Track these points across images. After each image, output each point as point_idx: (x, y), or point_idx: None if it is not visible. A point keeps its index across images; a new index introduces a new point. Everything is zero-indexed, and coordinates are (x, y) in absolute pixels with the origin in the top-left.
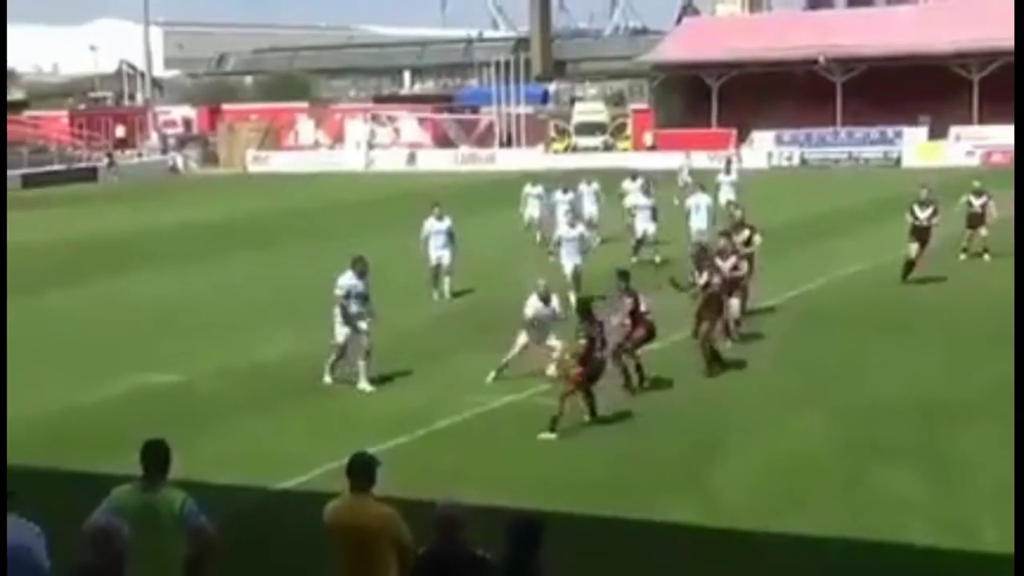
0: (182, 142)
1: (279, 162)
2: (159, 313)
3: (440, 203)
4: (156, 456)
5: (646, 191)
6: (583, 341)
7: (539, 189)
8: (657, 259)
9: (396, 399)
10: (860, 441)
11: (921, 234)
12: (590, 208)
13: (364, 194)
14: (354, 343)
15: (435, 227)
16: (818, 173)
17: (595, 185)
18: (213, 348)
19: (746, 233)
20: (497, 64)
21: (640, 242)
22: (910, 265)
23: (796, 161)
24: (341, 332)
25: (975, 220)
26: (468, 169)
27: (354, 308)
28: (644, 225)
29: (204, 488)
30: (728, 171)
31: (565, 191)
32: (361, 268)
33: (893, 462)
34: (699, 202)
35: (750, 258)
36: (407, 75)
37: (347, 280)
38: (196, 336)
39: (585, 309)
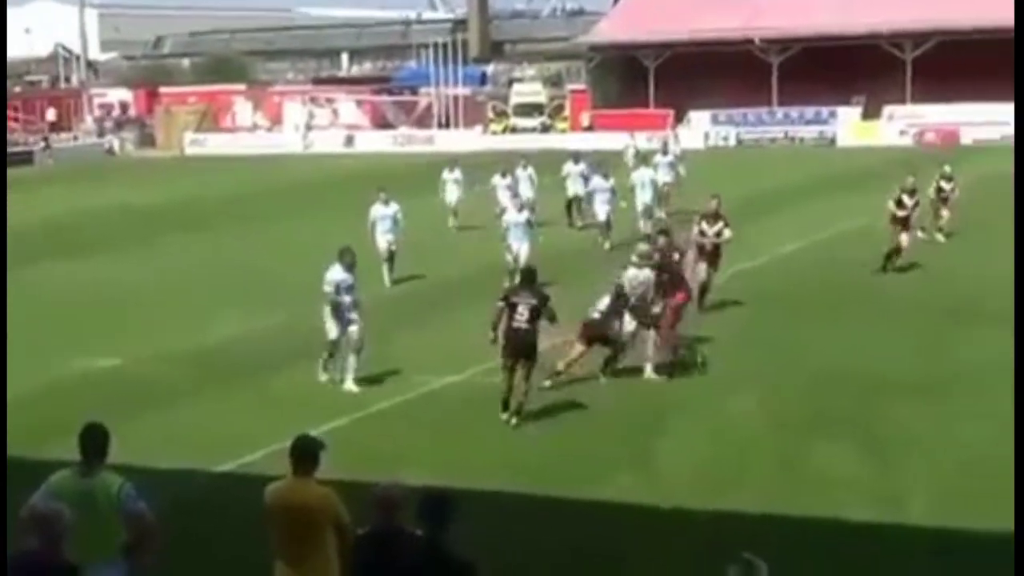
0: (119, 124)
1: (217, 144)
2: (99, 297)
3: (386, 188)
4: (94, 440)
5: (605, 175)
6: (499, 303)
7: (457, 174)
8: (607, 246)
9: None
10: (799, 419)
11: (905, 222)
12: (526, 192)
13: (304, 176)
14: (345, 339)
15: (381, 212)
16: (754, 153)
17: (530, 169)
18: (155, 331)
19: (719, 225)
20: (435, 45)
21: (607, 226)
22: (894, 253)
23: (732, 141)
24: (332, 328)
25: (943, 203)
26: (407, 151)
27: (346, 301)
28: (604, 208)
29: (144, 472)
30: (665, 152)
31: (504, 175)
32: (349, 260)
33: (831, 439)
34: (644, 178)
35: (719, 251)
36: (345, 57)
37: (336, 274)
38: (138, 319)
39: (527, 278)
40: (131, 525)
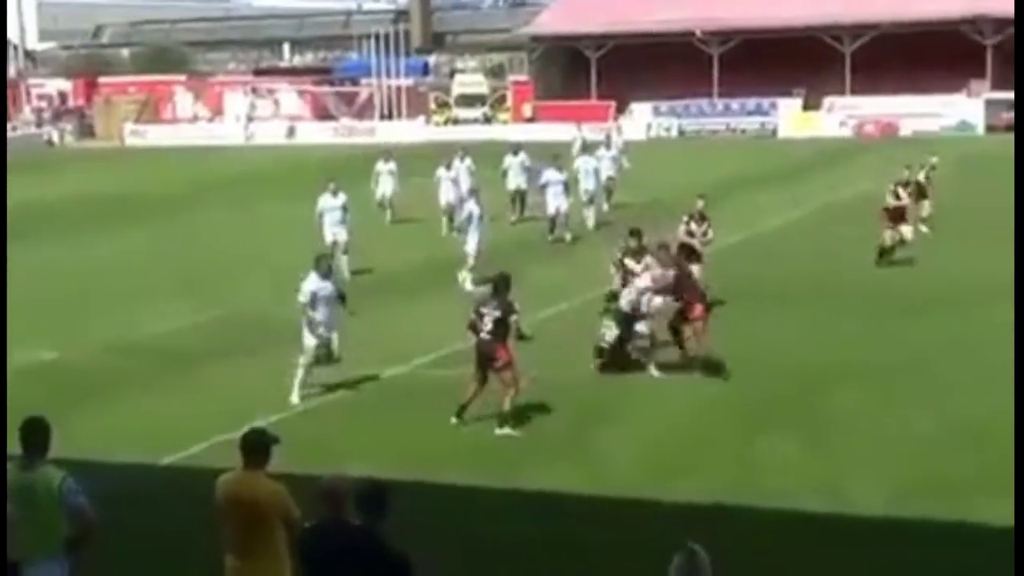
0: (58, 115)
1: (157, 135)
2: (39, 289)
3: (335, 178)
4: (35, 434)
5: (559, 167)
6: (472, 314)
7: (392, 165)
8: (568, 236)
9: (281, 372)
10: (747, 410)
11: (901, 215)
12: (465, 183)
13: (245, 167)
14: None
15: (330, 203)
16: (696, 144)
17: (468, 160)
18: (98, 323)
19: (705, 225)
20: (377, 36)
21: (554, 220)
22: (888, 250)
23: (674, 132)
24: (309, 337)
25: (925, 193)
26: (348, 142)
27: (321, 314)
28: (556, 202)
29: (86, 466)
30: (609, 146)
31: (448, 167)
32: (325, 268)
33: (779, 429)
34: (587, 166)
35: (697, 252)
36: (286, 47)
37: (312, 284)
38: (78, 311)
39: (498, 287)
40: (74, 519)
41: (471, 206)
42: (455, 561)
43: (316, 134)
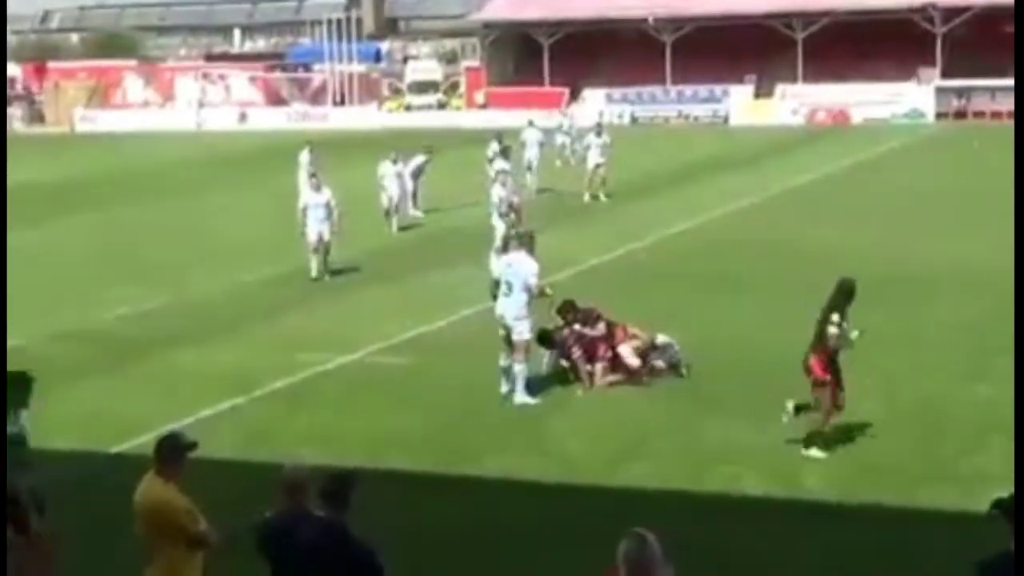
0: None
1: (108, 121)
2: None
3: (317, 174)
4: None
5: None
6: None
7: (311, 157)
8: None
9: (232, 359)
10: (691, 395)
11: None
12: (408, 179)
13: (196, 153)
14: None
15: (313, 199)
16: (649, 131)
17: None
18: (48, 310)
19: None
20: (329, 22)
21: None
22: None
23: (627, 119)
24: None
25: None
26: (301, 128)
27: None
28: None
29: (39, 453)
30: (599, 134)
31: (395, 162)
32: (530, 244)
33: (723, 414)
34: (532, 137)
35: None
36: (237, 33)
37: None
38: (31, 298)
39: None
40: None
41: (498, 190)
42: (409, 548)
43: (269, 120)
